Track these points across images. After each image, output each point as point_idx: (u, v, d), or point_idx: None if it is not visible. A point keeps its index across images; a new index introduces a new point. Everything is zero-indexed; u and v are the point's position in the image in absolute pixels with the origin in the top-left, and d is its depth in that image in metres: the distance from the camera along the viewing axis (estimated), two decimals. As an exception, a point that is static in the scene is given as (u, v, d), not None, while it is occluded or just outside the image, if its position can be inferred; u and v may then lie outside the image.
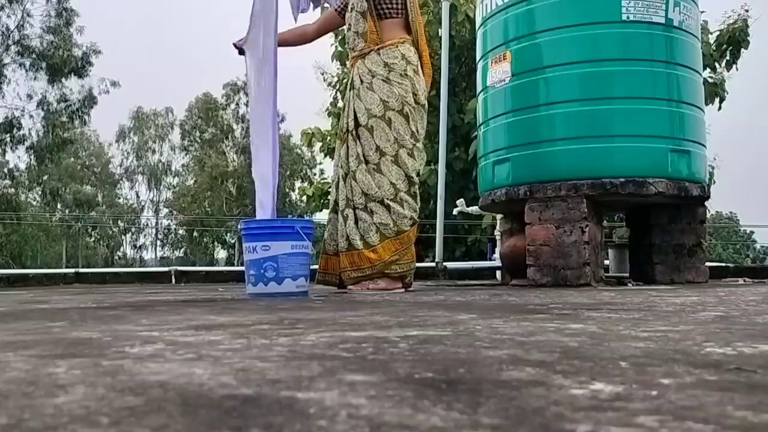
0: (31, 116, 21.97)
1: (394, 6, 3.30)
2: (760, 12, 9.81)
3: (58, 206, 29.92)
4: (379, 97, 3.22)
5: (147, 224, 38.17)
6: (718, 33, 9.47)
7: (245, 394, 0.62)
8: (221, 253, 35.77)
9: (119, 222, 36.29)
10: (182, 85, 58.94)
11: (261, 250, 2.73)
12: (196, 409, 0.56)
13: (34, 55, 21.37)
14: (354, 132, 3.26)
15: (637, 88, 3.71)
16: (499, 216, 4.99)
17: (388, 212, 3.17)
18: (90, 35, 47.39)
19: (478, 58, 4.41)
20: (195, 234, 34.04)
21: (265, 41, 3.11)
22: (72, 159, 34.48)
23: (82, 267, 13.17)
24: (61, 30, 21.56)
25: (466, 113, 8.95)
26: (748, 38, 9.40)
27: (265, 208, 3.00)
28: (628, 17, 3.70)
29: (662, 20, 3.75)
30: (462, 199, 5.76)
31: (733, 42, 9.38)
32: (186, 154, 37.18)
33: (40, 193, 27.83)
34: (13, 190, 24.42)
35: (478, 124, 4.50)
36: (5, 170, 23.26)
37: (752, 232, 32.98)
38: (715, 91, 9.03)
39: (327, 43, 9.86)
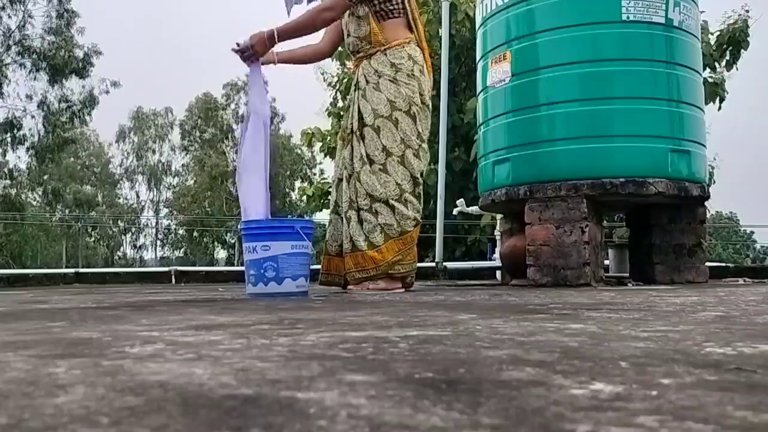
0: (32, 116, 22.00)
1: (396, 6, 3.28)
2: (760, 12, 9.82)
3: (58, 206, 29.92)
4: (386, 98, 3.20)
5: (147, 224, 38.20)
6: (718, 33, 9.47)
7: (245, 394, 0.62)
8: (221, 253, 35.80)
9: (119, 222, 36.31)
10: (182, 85, 59.00)
11: (261, 250, 2.73)
12: (196, 409, 0.56)
13: (35, 56, 21.39)
14: (359, 132, 3.24)
15: (637, 88, 3.71)
16: (499, 216, 5.00)
17: (392, 213, 3.16)
18: (90, 35, 47.39)
19: (478, 58, 4.41)
20: (195, 234, 34.06)
21: (262, 108, 3.14)
22: (72, 159, 34.51)
23: (82, 267, 13.17)
24: (62, 31, 21.58)
25: (465, 113, 8.95)
26: (748, 38, 9.40)
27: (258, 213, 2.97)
28: (628, 17, 3.70)
29: (662, 20, 3.75)
30: (462, 199, 5.76)
31: (733, 42, 9.38)
32: (186, 154, 37.21)
33: (40, 193, 27.83)
34: (14, 190, 24.44)
35: (478, 124, 4.50)
36: (5, 170, 23.27)
37: (752, 232, 33.02)
38: (715, 91, 9.03)
39: (327, 43, 9.86)
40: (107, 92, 23.71)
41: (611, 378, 0.69)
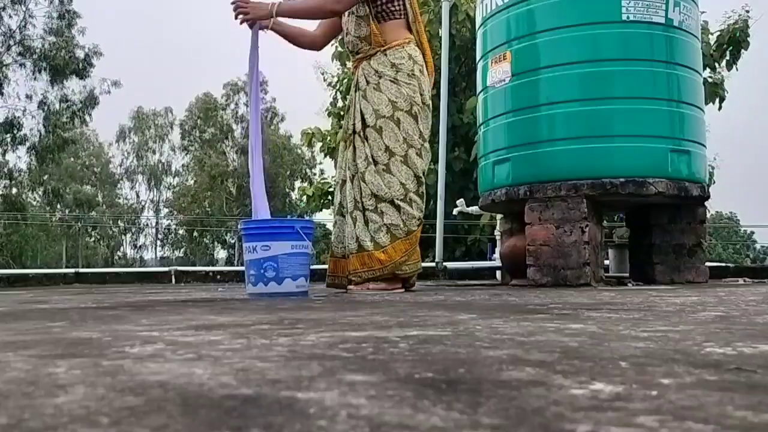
0: (33, 116, 22.01)
1: (396, 7, 3.27)
2: (760, 12, 9.81)
3: (59, 206, 29.95)
4: (387, 98, 3.20)
5: (147, 224, 38.20)
6: (718, 33, 9.47)
7: (245, 394, 0.62)
8: (221, 253, 35.82)
9: (119, 222, 36.32)
10: (182, 85, 59.03)
11: (261, 250, 2.73)
12: (196, 409, 0.56)
13: (35, 56, 21.40)
14: (362, 133, 3.24)
15: (637, 88, 3.71)
16: (499, 216, 4.99)
17: (398, 213, 3.16)
18: (90, 35, 47.38)
19: (478, 58, 4.41)
20: (195, 234, 34.07)
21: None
22: (72, 159, 34.52)
23: (82, 267, 13.17)
24: (63, 31, 21.60)
25: (465, 113, 8.95)
26: (748, 38, 9.39)
27: (260, 210, 3.00)
28: (628, 17, 3.70)
29: (662, 20, 3.75)
30: (462, 199, 5.76)
31: (733, 42, 9.38)
32: (186, 154, 37.22)
33: (41, 193, 27.85)
34: (15, 190, 24.45)
35: (478, 124, 4.50)
36: (6, 170, 23.28)
37: (752, 232, 33.06)
38: (715, 91, 9.02)
39: (327, 42, 9.88)
40: (108, 92, 23.75)
41: (611, 378, 0.69)
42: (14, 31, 21.49)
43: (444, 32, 6.08)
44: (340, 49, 9.52)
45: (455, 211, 5.78)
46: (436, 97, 6.06)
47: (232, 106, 35.57)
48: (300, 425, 0.50)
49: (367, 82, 3.26)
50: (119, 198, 39.09)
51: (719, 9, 9.47)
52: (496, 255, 5.24)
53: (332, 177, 10.59)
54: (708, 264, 4.21)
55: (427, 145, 3.31)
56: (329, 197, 10.28)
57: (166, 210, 38.61)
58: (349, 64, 8.36)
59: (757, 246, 34.56)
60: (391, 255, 3.15)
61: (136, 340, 1.08)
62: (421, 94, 3.26)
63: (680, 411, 0.54)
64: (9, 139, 21.57)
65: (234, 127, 35.26)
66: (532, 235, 3.74)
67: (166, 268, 6.21)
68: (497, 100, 4.07)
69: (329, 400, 0.59)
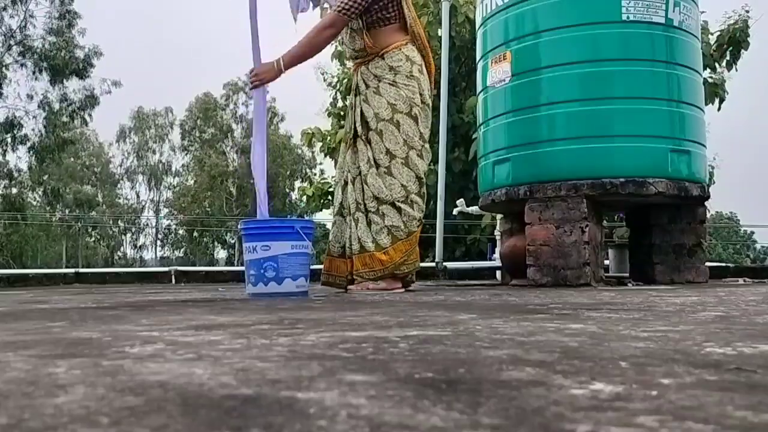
0: (33, 117, 22.01)
1: (392, 13, 3.28)
2: (760, 12, 9.81)
3: (59, 206, 29.95)
4: (387, 101, 3.22)
5: (147, 224, 38.21)
6: (718, 33, 9.47)
7: (245, 394, 0.62)
8: (221, 253, 35.83)
9: (119, 222, 36.32)
10: (182, 85, 59.03)
11: (261, 250, 2.73)
12: (196, 409, 0.56)
13: (36, 56, 21.40)
14: (365, 136, 3.26)
15: (637, 88, 3.71)
16: (499, 216, 4.99)
17: (399, 214, 3.18)
18: (91, 35, 47.38)
19: (478, 58, 4.41)
20: (195, 234, 34.07)
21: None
22: (72, 159, 34.51)
23: (82, 267, 13.17)
24: (63, 32, 21.60)
25: (465, 113, 8.95)
26: (748, 39, 9.39)
27: (262, 209, 3.02)
28: (628, 17, 3.70)
29: (662, 20, 3.75)
30: (462, 199, 5.76)
31: (733, 42, 9.38)
32: (186, 154, 37.22)
33: (41, 193, 27.86)
34: (15, 190, 24.45)
35: (477, 124, 4.50)
36: (6, 170, 23.28)
37: (752, 232, 33.05)
38: (715, 91, 9.02)
39: (327, 42, 9.87)
40: (108, 92, 23.75)
41: (611, 378, 0.69)
42: (14, 31, 21.50)
43: (444, 32, 6.08)
44: (339, 48, 9.55)
45: (455, 211, 5.78)
46: (436, 97, 6.06)
47: (232, 106, 35.59)
48: (300, 425, 0.50)
49: (367, 86, 3.29)
50: (119, 198, 39.10)
51: (719, 9, 9.48)
52: (496, 255, 5.24)
53: (332, 177, 10.59)
54: (708, 264, 4.21)
55: (427, 145, 3.33)
56: (329, 197, 10.28)
57: (166, 210, 38.63)
58: (349, 64, 8.36)
59: (757, 246, 34.56)
60: (392, 256, 3.17)
61: (136, 340, 1.08)
62: (421, 94, 3.27)
63: (680, 411, 0.54)
64: (9, 139, 21.57)
65: (234, 127, 35.26)
66: (532, 235, 3.74)
67: (166, 268, 6.21)
68: (497, 100, 4.07)
69: (329, 400, 0.59)
